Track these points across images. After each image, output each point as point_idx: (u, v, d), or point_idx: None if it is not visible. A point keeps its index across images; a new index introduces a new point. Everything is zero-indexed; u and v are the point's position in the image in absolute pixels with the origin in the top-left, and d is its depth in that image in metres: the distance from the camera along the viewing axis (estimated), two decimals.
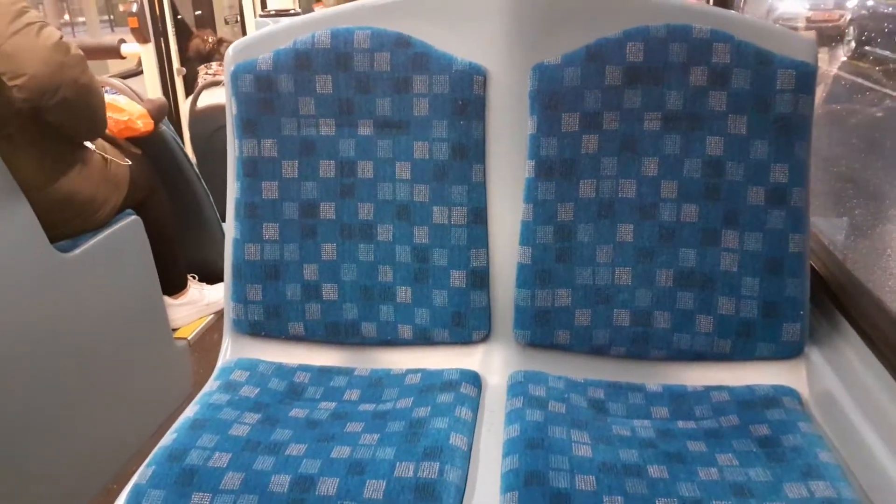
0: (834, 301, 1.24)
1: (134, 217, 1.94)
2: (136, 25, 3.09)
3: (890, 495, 0.94)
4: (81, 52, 1.63)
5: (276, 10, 4.58)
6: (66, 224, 1.77)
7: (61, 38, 1.59)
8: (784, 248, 1.18)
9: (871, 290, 1.18)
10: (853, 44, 8.55)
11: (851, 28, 8.70)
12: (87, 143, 1.86)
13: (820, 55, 1.19)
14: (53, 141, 1.76)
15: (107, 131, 2.04)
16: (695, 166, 1.19)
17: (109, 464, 1.79)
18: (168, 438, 1.07)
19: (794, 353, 1.22)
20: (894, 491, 0.93)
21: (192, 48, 3.32)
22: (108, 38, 2.65)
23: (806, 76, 1.15)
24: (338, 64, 1.23)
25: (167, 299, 2.25)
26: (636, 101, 1.19)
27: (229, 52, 1.28)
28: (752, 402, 1.15)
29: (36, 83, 1.54)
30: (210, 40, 3.36)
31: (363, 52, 1.23)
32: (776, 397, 1.15)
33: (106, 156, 1.93)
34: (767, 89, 1.16)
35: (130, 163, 2.02)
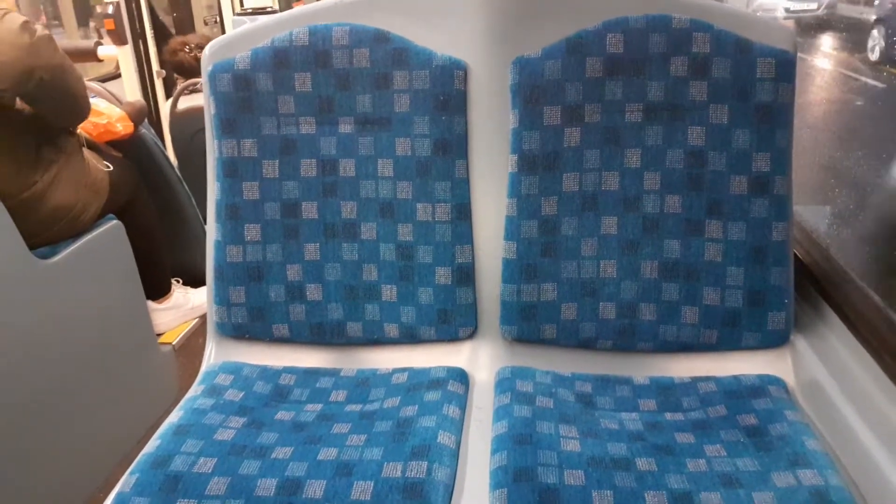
0: (818, 289, 1.24)
1: (115, 222, 1.92)
2: (112, 27, 3.06)
3: (876, 481, 0.94)
4: (48, 33, 1.60)
5: (252, 8, 4.54)
6: (45, 231, 1.74)
7: (26, 21, 1.56)
8: (767, 237, 1.18)
9: (855, 277, 1.19)
10: (880, 46, 6.81)
11: (879, 29, 6.94)
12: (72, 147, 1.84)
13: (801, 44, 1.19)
14: (30, 148, 1.73)
15: (86, 135, 2.02)
16: (677, 157, 1.19)
17: (95, 471, 1.77)
18: (151, 445, 1.06)
19: (779, 341, 1.22)
20: (881, 477, 0.93)
21: (167, 52, 3.19)
22: (85, 41, 2.62)
23: (785, 64, 1.16)
24: (317, 61, 1.22)
25: (151, 304, 2.23)
26: (617, 93, 1.18)
27: (206, 51, 1.27)
28: (738, 392, 1.15)
29: (9, 69, 1.51)
30: (193, 45, 3.12)
31: (342, 48, 1.21)
32: (763, 386, 1.15)
33: (86, 160, 1.90)
34: (748, 78, 1.16)
35: (111, 167, 2.00)
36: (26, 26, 1.54)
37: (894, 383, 0.98)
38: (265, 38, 1.24)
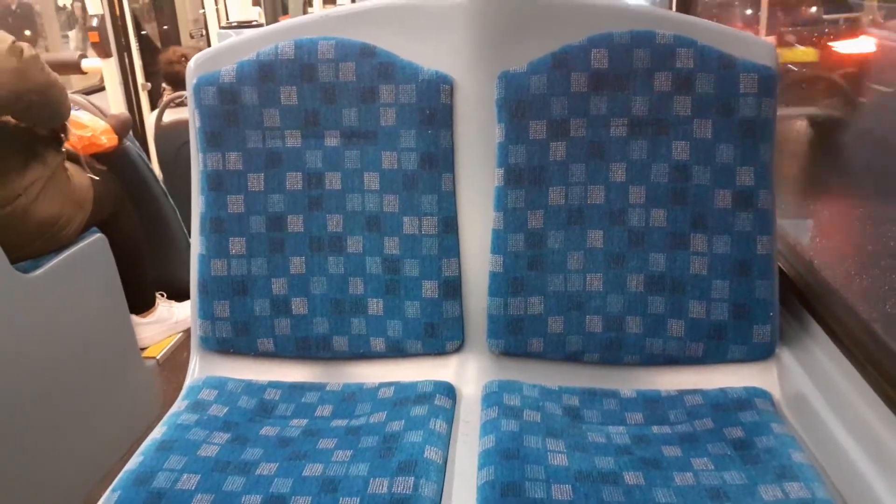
0: (803, 302, 1.25)
1: (99, 235, 1.90)
2: (96, 40, 3.04)
3: (862, 493, 0.94)
4: (35, 52, 1.60)
5: (238, 22, 4.54)
6: (28, 244, 1.72)
7: (14, 42, 1.55)
8: (752, 250, 1.19)
9: (839, 290, 1.19)
10: None
11: None
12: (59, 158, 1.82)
13: None
14: (15, 161, 1.72)
15: (70, 148, 2.01)
16: (662, 171, 1.20)
17: (77, 489, 1.74)
18: (134, 461, 1.04)
19: (765, 354, 1.22)
20: (867, 488, 0.93)
21: (162, 63, 3.18)
22: (69, 53, 2.61)
23: (768, 79, 1.17)
24: (302, 75, 1.22)
25: (135, 318, 2.21)
26: (602, 108, 1.19)
27: (191, 64, 1.26)
28: (725, 405, 1.15)
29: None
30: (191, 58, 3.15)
31: (328, 62, 1.21)
32: (749, 399, 1.15)
33: (70, 174, 1.89)
34: (731, 93, 1.17)
35: (97, 178, 1.99)
36: (14, 49, 1.54)
37: (879, 395, 0.99)
38: (251, 52, 1.23)
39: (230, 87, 1.22)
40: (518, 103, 1.18)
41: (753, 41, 1.20)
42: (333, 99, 1.22)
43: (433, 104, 1.21)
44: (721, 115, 1.17)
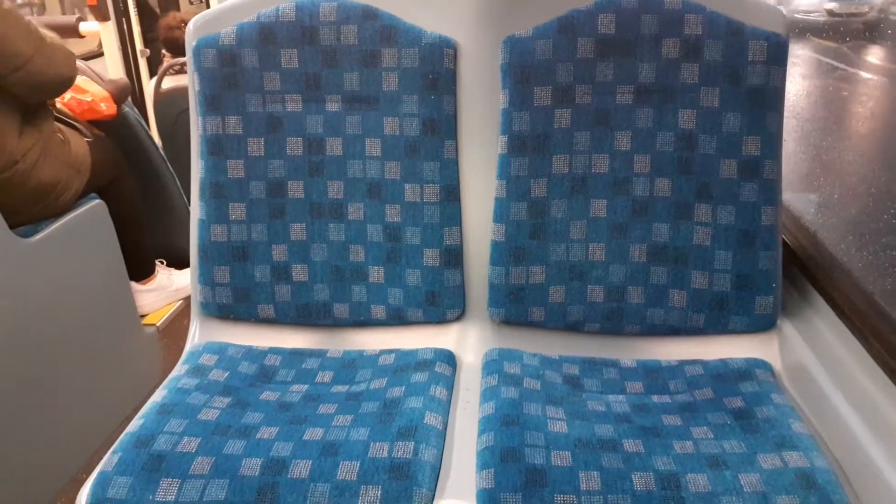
0: (805, 273, 1.24)
1: (98, 201, 1.89)
2: (94, 3, 3.00)
3: (861, 463, 0.95)
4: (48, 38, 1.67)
5: None
6: (26, 210, 1.71)
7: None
8: (756, 221, 1.18)
9: (842, 262, 1.19)
10: None
11: None
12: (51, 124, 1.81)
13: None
14: (12, 128, 1.70)
15: (69, 112, 1.99)
16: (667, 140, 1.18)
17: (78, 453, 1.75)
18: (135, 424, 1.04)
19: (766, 325, 1.22)
20: (865, 458, 0.94)
21: (162, 28, 3.15)
22: (66, 16, 2.57)
23: (777, 47, 1.15)
24: (303, 37, 1.20)
25: (135, 285, 2.21)
26: (608, 74, 1.17)
27: (190, 26, 1.24)
28: (725, 375, 1.15)
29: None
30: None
31: (329, 25, 1.19)
32: (749, 370, 1.15)
33: (67, 139, 1.87)
34: (739, 61, 1.15)
35: (91, 139, 1.98)
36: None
37: (880, 367, 0.99)
38: (251, 13, 1.21)
39: (230, 49, 1.20)
40: (523, 69, 1.16)
41: (763, 7, 1.18)
42: (335, 62, 1.21)
43: (436, 69, 1.19)
44: (729, 84, 1.16)
